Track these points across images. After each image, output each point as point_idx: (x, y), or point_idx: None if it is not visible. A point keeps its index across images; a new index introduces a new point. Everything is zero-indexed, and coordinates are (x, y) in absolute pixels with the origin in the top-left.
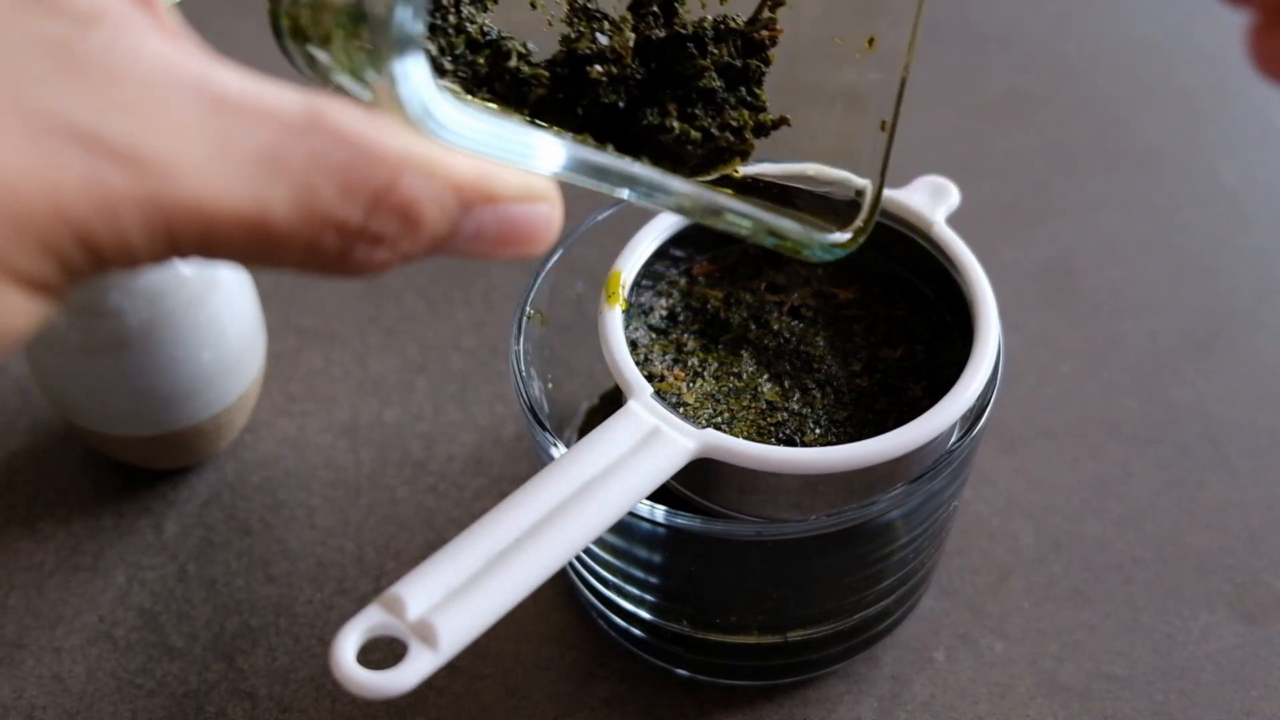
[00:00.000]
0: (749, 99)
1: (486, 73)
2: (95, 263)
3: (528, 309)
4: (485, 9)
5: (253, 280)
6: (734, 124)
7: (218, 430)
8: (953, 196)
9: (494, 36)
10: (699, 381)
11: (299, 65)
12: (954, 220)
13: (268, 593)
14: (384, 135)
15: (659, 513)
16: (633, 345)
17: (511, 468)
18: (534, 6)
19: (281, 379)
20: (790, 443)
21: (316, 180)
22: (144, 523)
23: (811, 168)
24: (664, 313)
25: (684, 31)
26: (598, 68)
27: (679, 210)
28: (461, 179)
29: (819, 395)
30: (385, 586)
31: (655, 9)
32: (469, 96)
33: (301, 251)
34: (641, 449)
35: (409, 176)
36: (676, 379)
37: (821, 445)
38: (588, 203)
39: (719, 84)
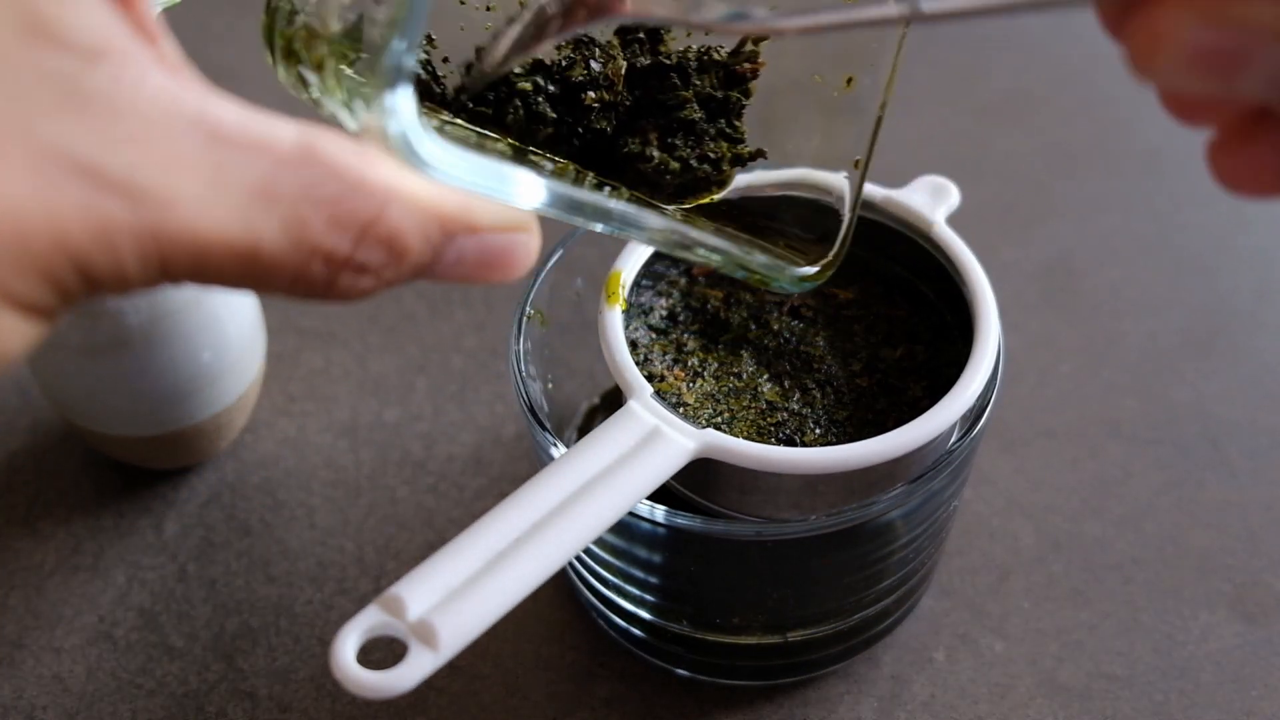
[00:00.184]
0: (728, 131)
1: (496, 110)
2: (90, 288)
3: (528, 309)
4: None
5: None
6: (712, 156)
7: (218, 430)
8: (953, 196)
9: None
10: (699, 381)
11: (289, 84)
12: (954, 220)
13: (268, 593)
14: (373, 169)
15: (659, 513)
16: (633, 345)
17: (511, 468)
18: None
19: (281, 379)
20: (790, 443)
21: (306, 212)
22: (144, 523)
23: (800, 172)
24: (664, 313)
25: (668, 61)
26: (591, 94)
27: (650, 243)
28: (445, 211)
29: (819, 395)
30: (385, 586)
31: (641, 36)
32: (453, 121)
33: (290, 279)
34: (641, 449)
35: (395, 209)
36: (676, 379)
37: (821, 445)
38: None
39: (699, 115)
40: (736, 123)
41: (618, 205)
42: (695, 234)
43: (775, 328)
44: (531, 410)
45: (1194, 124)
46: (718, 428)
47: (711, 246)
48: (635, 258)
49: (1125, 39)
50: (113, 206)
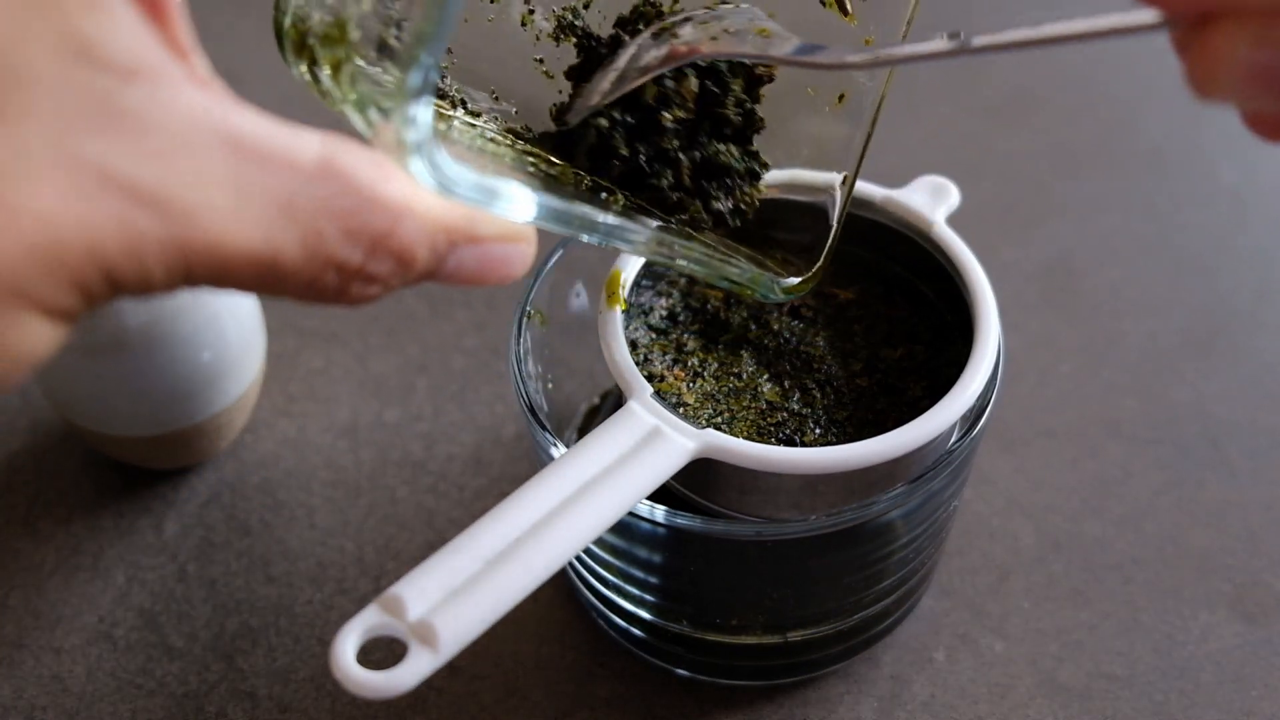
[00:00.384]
0: (755, 169)
1: (563, 141)
2: (114, 293)
3: (528, 309)
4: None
5: None
6: (744, 206)
7: (218, 430)
8: (953, 196)
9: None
10: (699, 381)
11: (298, 74)
12: (954, 220)
13: (268, 593)
14: (387, 183)
15: (659, 513)
16: (633, 345)
17: (511, 468)
18: (541, 64)
19: (281, 379)
20: (790, 443)
21: (324, 225)
22: (144, 523)
23: (791, 173)
24: (664, 313)
25: (702, 64)
26: (667, 114)
27: (635, 253)
28: (451, 222)
29: (819, 395)
30: (385, 586)
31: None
32: (451, 114)
33: (303, 286)
34: (641, 449)
35: (407, 223)
36: (676, 379)
37: (821, 445)
38: None
39: (737, 161)
40: (754, 189)
41: (605, 219)
42: (679, 246)
43: (775, 328)
44: (531, 410)
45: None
46: (718, 428)
47: (694, 259)
48: (635, 258)
49: (1186, 59)
50: (143, 219)
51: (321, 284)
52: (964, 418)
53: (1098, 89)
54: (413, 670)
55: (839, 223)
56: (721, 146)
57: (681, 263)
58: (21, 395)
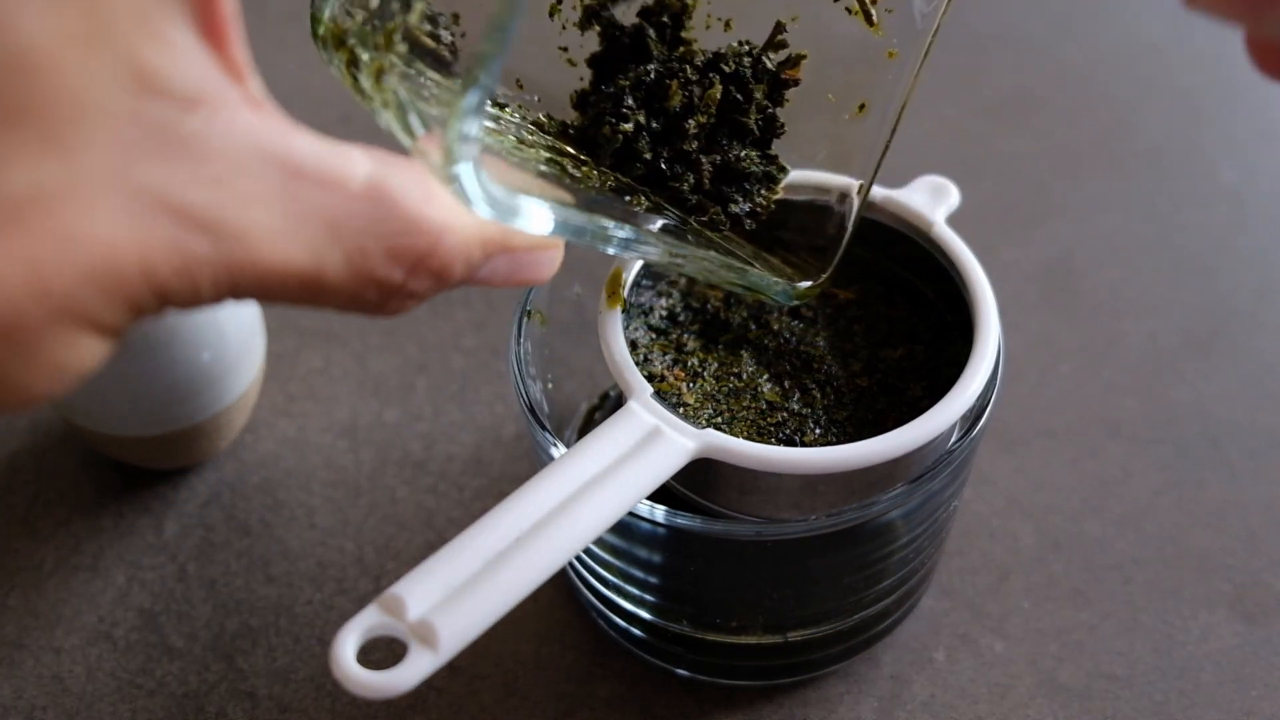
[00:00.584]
0: (774, 173)
1: (586, 136)
2: (163, 307)
3: (528, 309)
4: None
5: None
6: (737, 214)
7: (218, 430)
8: (953, 196)
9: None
10: (699, 381)
11: (333, 69)
12: (954, 220)
13: (268, 593)
14: (429, 205)
15: (659, 513)
16: (633, 345)
17: (511, 468)
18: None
19: (281, 379)
20: (790, 443)
21: (369, 244)
22: (144, 523)
23: (804, 173)
24: (664, 313)
25: (727, 69)
26: (691, 122)
27: (648, 263)
28: (487, 236)
29: (819, 395)
30: (385, 586)
31: (666, 21)
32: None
33: (344, 301)
34: (641, 449)
35: (447, 241)
36: (676, 379)
37: (821, 445)
38: None
39: (755, 166)
40: (771, 191)
41: (621, 233)
42: (693, 255)
43: (775, 328)
44: (531, 410)
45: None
46: (718, 428)
47: (708, 267)
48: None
49: None
50: (197, 242)
51: (362, 299)
52: (964, 418)
53: (1098, 89)
54: (413, 670)
55: (853, 226)
56: (742, 151)
57: (692, 269)
58: None
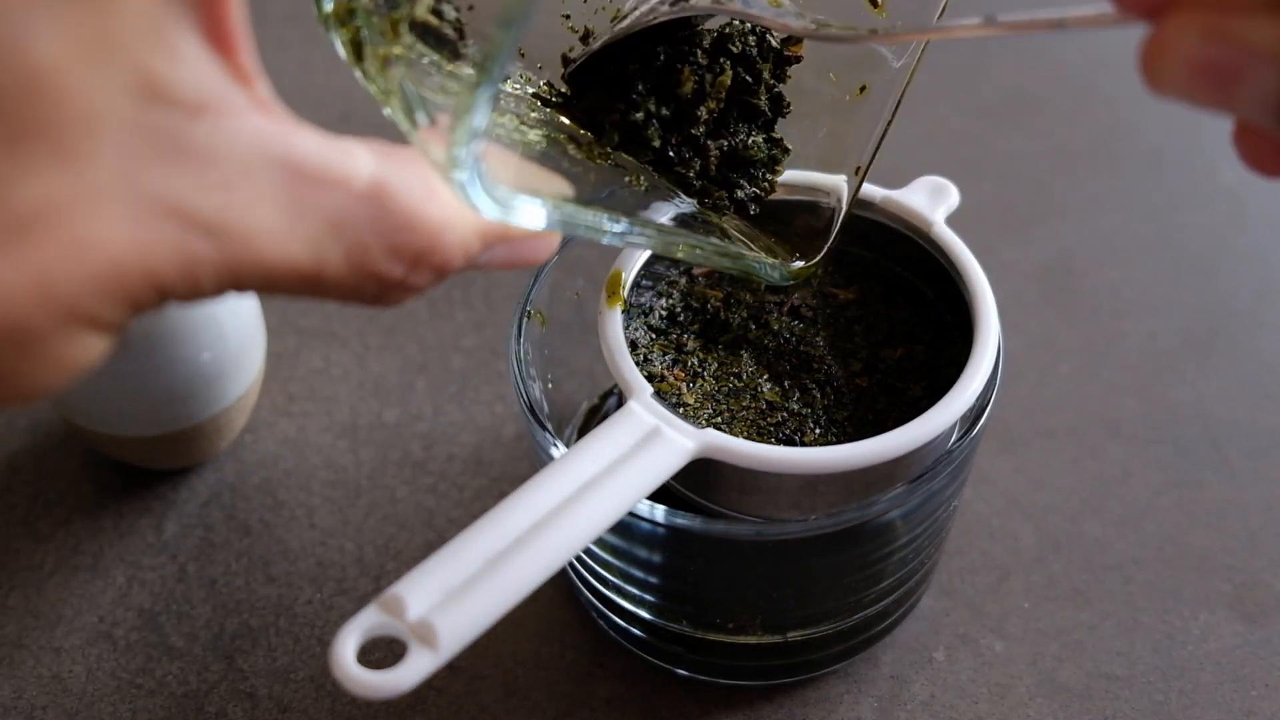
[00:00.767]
0: (777, 154)
1: (592, 118)
2: (163, 303)
3: (528, 309)
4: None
5: None
6: (741, 197)
7: (218, 430)
8: (952, 196)
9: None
10: (699, 381)
11: (335, 45)
12: (954, 220)
13: (268, 593)
14: (430, 202)
15: (659, 513)
16: (633, 345)
17: (511, 468)
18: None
19: (281, 379)
20: (790, 443)
21: (370, 242)
22: (144, 523)
23: (800, 174)
24: (664, 313)
25: (734, 49)
26: (703, 110)
27: (646, 248)
28: (486, 228)
29: (819, 395)
30: (385, 586)
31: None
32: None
33: (344, 293)
34: (641, 449)
35: (447, 239)
36: (676, 379)
37: (821, 445)
38: None
39: (761, 152)
40: (774, 173)
41: (615, 227)
42: (685, 241)
43: (775, 328)
44: (531, 410)
45: (1270, 176)
46: (718, 428)
47: (701, 255)
48: (635, 258)
49: (1141, 48)
50: (200, 244)
51: (362, 293)
52: (964, 418)
53: (1098, 89)
54: (413, 670)
55: (849, 204)
56: (747, 137)
57: (685, 254)
58: None
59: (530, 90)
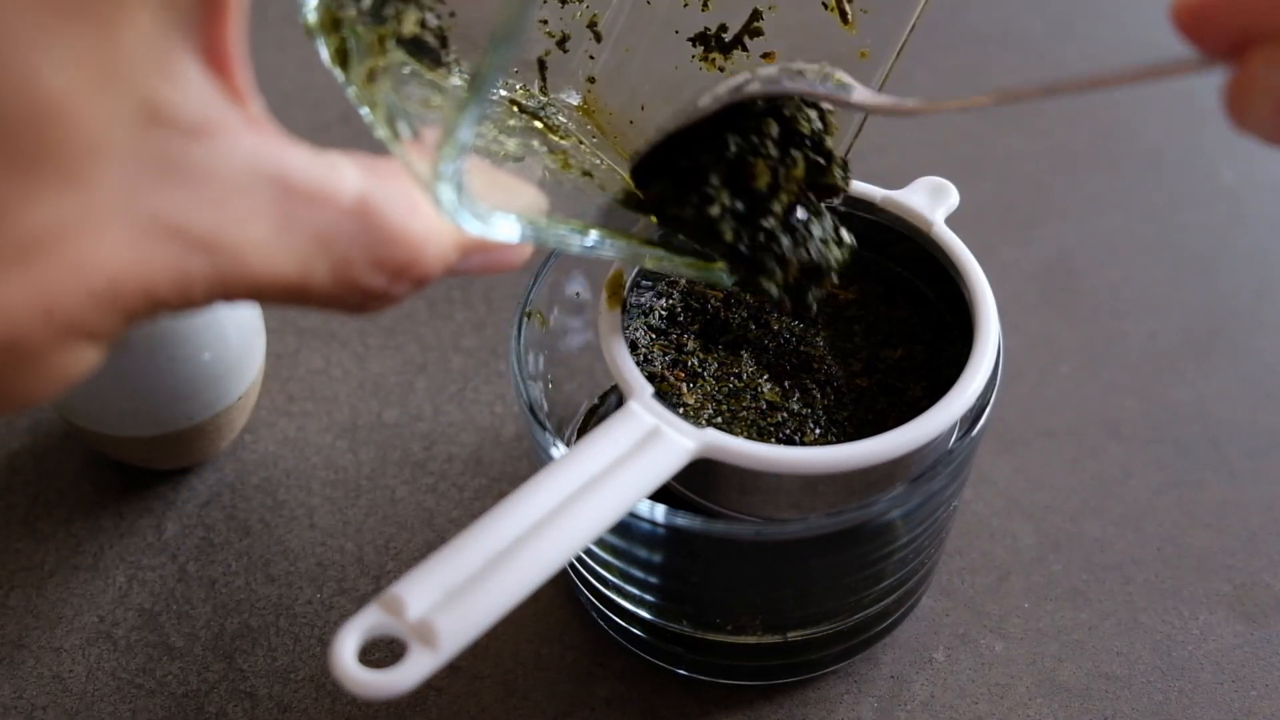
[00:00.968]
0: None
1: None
2: (155, 313)
3: (528, 309)
4: None
5: None
6: (809, 302)
7: (218, 430)
8: (952, 197)
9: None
10: (699, 381)
11: (322, 52)
12: (954, 220)
13: (268, 593)
14: (413, 217)
15: (659, 513)
16: (633, 345)
17: (511, 468)
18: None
19: (281, 379)
20: (790, 443)
21: (355, 255)
22: (144, 523)
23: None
24: (664, 313)
25: (803, 130)
26: (776, 206)
27: (608, 257)
28: (464, 240)
29: (819, 395)
30: (385, 586)
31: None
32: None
33: (327, 304)
34: (641, 449)
35: (428, 253)
36: (676, 379)
37: (821, 445)
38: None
39: (837, 255)
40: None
41: (584, 242)
42: (654, 252)
43: (775, 328)
44: (531, 410)
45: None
46: (718, 428)
47: (665, 267)
48: None
49: (1226, 88)
50: (194, 259)
51: (344, 302)
52: (964, 418)
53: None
54: (413, 670)
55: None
56: (824, 243)
57: (652, 265)
58: None
59: (505, 94)
